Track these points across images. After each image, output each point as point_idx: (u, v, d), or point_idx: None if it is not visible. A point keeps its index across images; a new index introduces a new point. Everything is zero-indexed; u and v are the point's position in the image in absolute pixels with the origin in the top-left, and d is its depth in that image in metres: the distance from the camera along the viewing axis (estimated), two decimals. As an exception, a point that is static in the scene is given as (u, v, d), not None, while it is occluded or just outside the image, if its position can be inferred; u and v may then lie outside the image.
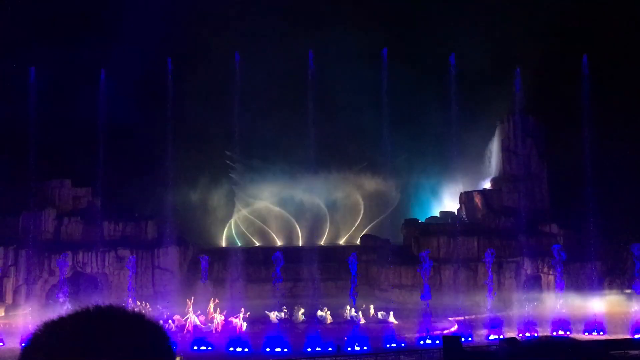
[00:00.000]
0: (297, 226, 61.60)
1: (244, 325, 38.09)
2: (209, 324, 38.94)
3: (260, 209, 62.52)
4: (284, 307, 42.81)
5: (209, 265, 52.01)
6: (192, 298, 41.08)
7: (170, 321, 38.79)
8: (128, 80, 55.82)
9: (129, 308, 2.40)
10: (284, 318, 41.43)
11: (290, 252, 55.18)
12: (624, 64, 56.07)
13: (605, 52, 55.13)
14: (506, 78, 56.38)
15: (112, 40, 57.14)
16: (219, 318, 38.90)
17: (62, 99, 56.23)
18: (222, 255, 53.54)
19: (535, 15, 59.10)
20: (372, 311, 42.39)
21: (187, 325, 38.52)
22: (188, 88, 59.09)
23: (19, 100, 52.79)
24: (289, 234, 61.88)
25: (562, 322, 38.26)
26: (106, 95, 54.61)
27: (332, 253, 55.23)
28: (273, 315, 41.18)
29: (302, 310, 42.27)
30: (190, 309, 39.59)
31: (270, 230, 61.95)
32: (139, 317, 2.25)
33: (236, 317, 38.73)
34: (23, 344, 2.25)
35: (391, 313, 41.63)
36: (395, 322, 40.48)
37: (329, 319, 41.17)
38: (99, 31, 59.42)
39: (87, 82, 55.97)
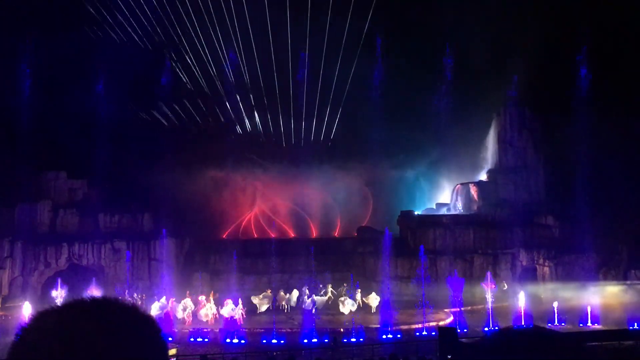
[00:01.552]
0: None
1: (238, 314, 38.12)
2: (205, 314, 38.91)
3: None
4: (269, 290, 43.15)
5: (205, 257, 52.17)
6: (188, 292, 41.11)
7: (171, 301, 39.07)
8: (125, 72, 55.66)
9: (124, 299, 2.38)
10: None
11: (286, 244, 55.35)
12: (622, 54, 56.11)
13: (603, 42, 55.12)
14: (503, 69, 56.40)
15: (108, 32, 56.91)
16: (211, 310, 38.85)
17: (57, 90, 56.08)
18: (218, 247, 53.57)
19: (532, 4, 59.02)
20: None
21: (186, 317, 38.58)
22: (184, 81, 58.98)
23: (14, 91, 52.57)
24: None
25: (557, 314, 38.42)
26: (102, 86, 54.44)
27: (328, 245, 55.34)
28: (257, 300, 41.45)
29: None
30: (187, 301, 39.58)
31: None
32: (131, 309, 2.24)
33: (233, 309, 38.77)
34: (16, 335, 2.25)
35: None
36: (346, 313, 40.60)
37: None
38: (95, 22, 59.15)
39: (83, 73, 55.78)
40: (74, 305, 2.17)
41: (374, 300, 41.73)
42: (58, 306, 2.19)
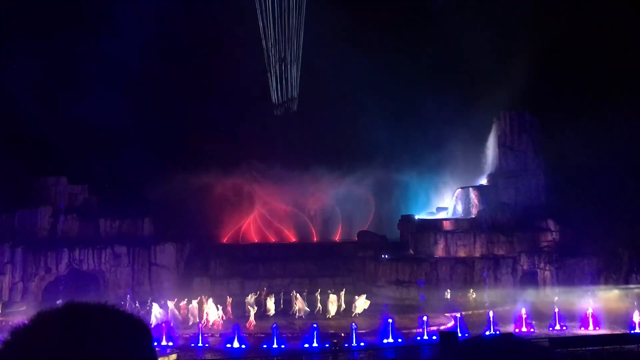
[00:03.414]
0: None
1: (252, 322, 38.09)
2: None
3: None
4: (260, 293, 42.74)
5: (205, 262, 52.12)
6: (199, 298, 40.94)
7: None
8: (124, 76, 55.76)
9: (112, 304, 2.36)
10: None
11: (286, 249, 55.38)
12: (624, 57, 56.18)
13: (604, 45, 55.21)
14: (503, 73, 56.46)
15: (108, 37, 57.00)
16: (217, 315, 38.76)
17: (58, 94, 56.13)
18: (219, 252, 53.58)
19: (533, 8, 59.12)
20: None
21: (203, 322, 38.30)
22: (182, 83, 59.07)
23: (13, 96, 52.63)
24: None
25: (558, 318, 38.37)
26: (102, 90, 54.51)
27: (329, 249, 55.38)
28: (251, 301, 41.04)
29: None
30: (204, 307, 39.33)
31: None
32: (119, 314, 2.23)
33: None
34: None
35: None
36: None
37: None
38: (95, 27, 59.22)
39: (83, 78, 55.87)
40: (60, 312, 2.17)
41: (361, 304, 41.27)
42: (44, 313, 2.18)
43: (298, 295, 41.90)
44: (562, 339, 32.35)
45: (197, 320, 38.14)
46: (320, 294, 42.51)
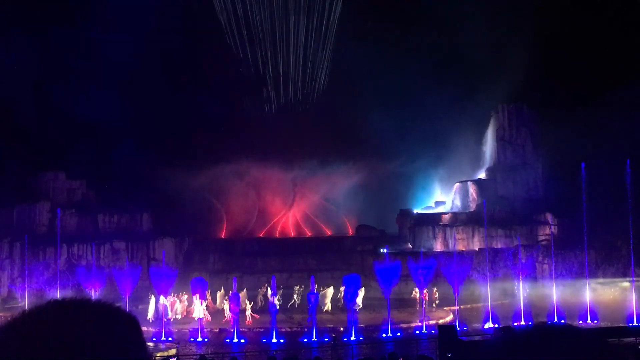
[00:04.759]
0: None
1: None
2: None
3: None
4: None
5: (204, 257, 52.12)
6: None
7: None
8: (123, 72, 55.62)
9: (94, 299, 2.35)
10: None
11: (285, 244, 55.39)
12: (622, 51, 56.15)
13: (603, 39, 55.13)
14: (501, 67, 56.40)
15: (105, 33, 56.89)
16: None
17: (55, 91, 56.00)
18: (218, 246, 53.56)
19: (532, 1, 59.01)
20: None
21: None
22: (181, 80, 58.94)
23: (12, 92, 52.50)
24: None
25: (557, 311, 38.42)
26: (100, 87, 54.38)
27: (327, 244, 55.36)
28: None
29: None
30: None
31: None
32: (107, 308, 2.21)
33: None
34: None
35: None
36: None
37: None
38: (94, 24, 59.06)
39: (82, 74, 55.72)
40: (47, 308, 2.16)
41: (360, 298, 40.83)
42: (31, 309, 2.18)
43: (269, 289, 41.17)
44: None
45: (178, 315, 38.42)
46: (301, 288, 42.92)
